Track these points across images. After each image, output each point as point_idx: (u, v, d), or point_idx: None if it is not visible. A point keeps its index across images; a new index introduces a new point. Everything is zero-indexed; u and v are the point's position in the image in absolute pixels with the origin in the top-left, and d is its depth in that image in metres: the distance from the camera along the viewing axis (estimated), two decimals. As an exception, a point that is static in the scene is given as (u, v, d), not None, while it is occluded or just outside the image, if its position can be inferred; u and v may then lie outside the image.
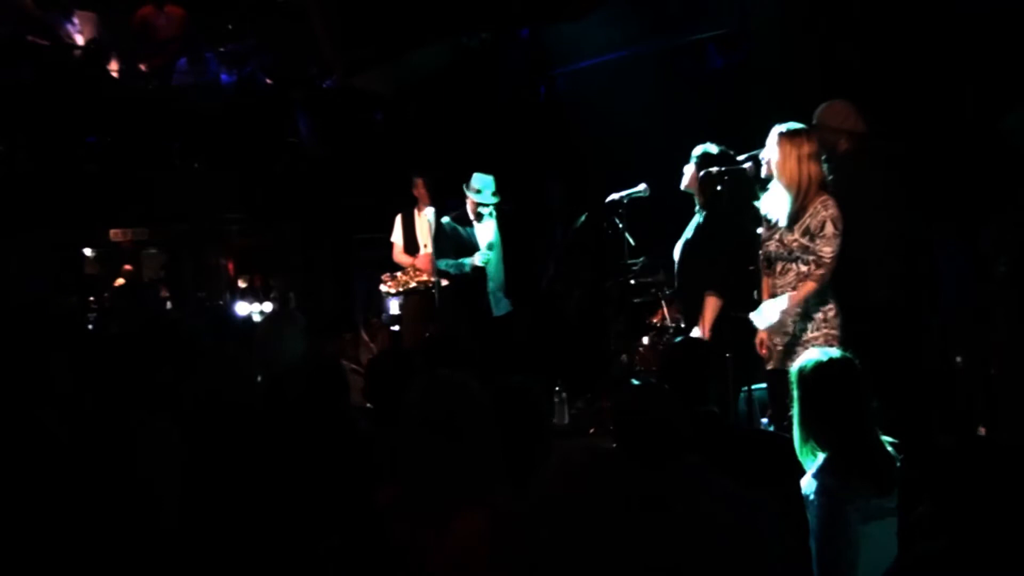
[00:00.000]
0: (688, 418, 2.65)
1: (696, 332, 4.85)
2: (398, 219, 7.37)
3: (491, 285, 6.70)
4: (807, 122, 4.42)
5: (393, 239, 7.39)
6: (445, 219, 6.78)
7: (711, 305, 4.80)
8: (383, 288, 7.17)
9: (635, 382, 2.87)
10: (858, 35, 5.97)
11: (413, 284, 7.10)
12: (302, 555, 2.54)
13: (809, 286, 4.16)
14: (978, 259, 5.14)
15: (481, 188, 6.66)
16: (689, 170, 4.95)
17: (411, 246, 7.30)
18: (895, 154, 5.02)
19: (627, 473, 2.53)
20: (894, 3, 5.81)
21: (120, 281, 8.68)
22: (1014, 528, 2.05)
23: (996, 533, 2.06)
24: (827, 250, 4.11)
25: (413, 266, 7.18)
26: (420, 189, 7.26)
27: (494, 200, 6.66)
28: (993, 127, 5.10)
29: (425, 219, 7.25)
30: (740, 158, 4.55)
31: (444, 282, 7.10)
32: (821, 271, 4.13)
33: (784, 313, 4.19)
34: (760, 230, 4.38)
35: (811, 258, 4.16)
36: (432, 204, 7.24)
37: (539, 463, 2.94)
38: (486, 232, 6.72)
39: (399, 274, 7.17)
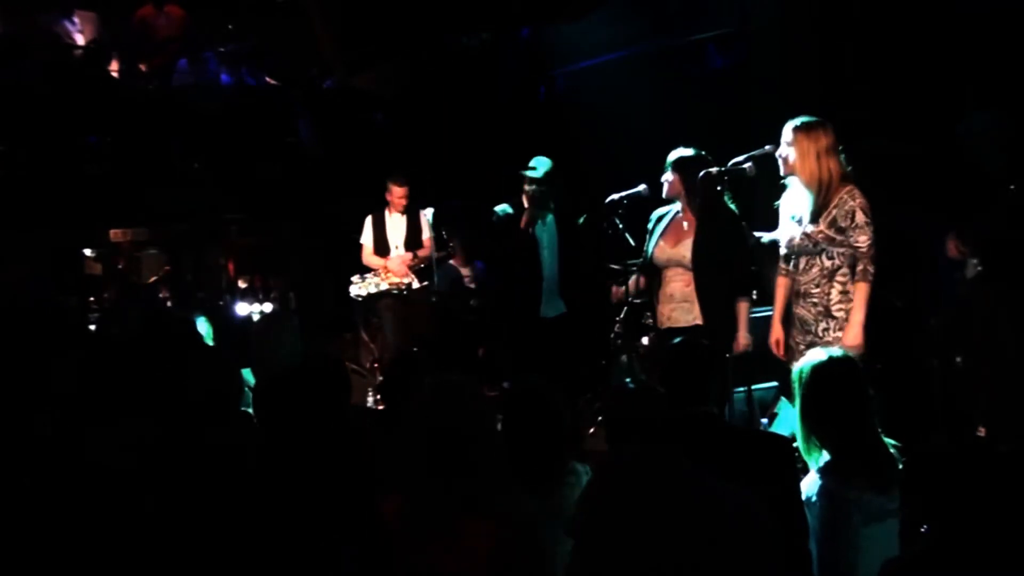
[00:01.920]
0: (678, 419, 2.64)
1: (737, 338, 4.75)
2: (368, 220, 7.28)
3: (543, 285, 6.53)
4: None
5: (362, 240, 7.30)
6: (500, 208, 6.60)
7: (745, 311, 4.74)
8: (352, 290, 7.11)
9: (629, 383, 2.86)
10: (858, 35, 5.96)
11: (385, 285, 7.06)
12: (302, 559, 2.53)
13: (863, 289, 4.13)
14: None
15: (536, 165, 6.49)
16: (668, 178, 4.90)
17: (381, 248, 7.24)
18: (882, 155, 5.03)
19: (623, 475, 2.52)
20: (894, 3, 5.81)
21: (153, 279, 8.67)
22: (998, 528, 2.05)
23: (980, 533, 2.06)
24: (862, 239, 4.10)
25: (384, 268, 7.14)
26: (394, 198, 7.15)
27: (538, 175, 6.39)
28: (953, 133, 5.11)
29: (396, 220, 7.21)
30: (739, 159, 4.54)
31: (416, 284, 7.07)
32: (863, 266, 4.11)
33: (860, 325, 4.14)
34: (785, 228, 4.35)
35: (840, 250, 4.14)
36: (406, 211, 7.20)
37: (555, 467, 2.92)
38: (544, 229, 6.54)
39: (369, 275, 7.12)
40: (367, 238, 7.29)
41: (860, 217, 4.09)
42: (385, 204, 7.27)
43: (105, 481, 2.42)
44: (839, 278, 4.17)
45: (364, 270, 7.21)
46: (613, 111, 7.46)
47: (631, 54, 7.60)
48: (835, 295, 4.17)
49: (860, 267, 4.13)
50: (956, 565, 2.08)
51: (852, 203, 4.10)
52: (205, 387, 3.02)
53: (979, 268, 4.95)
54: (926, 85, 5.56)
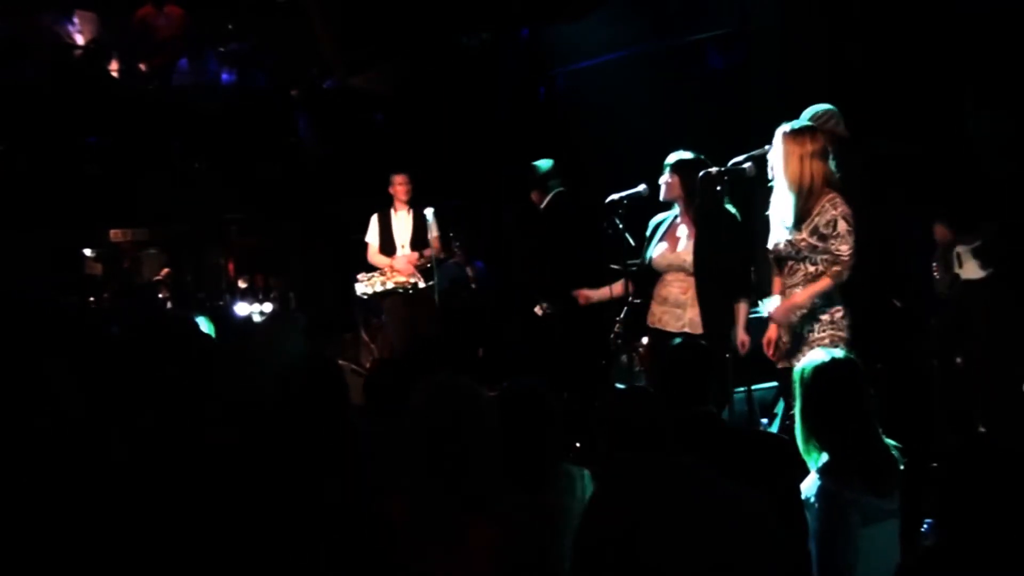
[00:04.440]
0: (673, 419, 2.64)
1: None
2: (373, 219, 7.29)
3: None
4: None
5: (368, 239, 7.30)
6: None
7: (744, 312, 4.74)
8: (358, 288, 7.12)
9: (619, 386, 2.85)
10: (858, 35, 5.96)
11: (391, 285, 7.06)
12: (298, 559, 2.53)
13: (824, 282, 4.12)
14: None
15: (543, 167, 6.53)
16: (667, 180, 4.89)
17: (388, 246, 7.24)
18: (883, 156, 5.02)
19: (631, 477, 2.50)
20: (894, 3, 5.81)
21: (153, 279, 8.68)
22: (1016, 526, 2.05)
23: (999, 531, 2.06)
24: (844, 248, 4.07)
25: (390, 267, 7.14)
26: (397, 187, 7.18)
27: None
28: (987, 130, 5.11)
29: (402, 219, 7.22)
30: (739, 159, 4.54)
31: (422, 284, 7.08)
32: (838, 268, 4.09)
33: (796, 308, 4.17)
34: (774, 232, 4.35)
35: (823, 257, 4.13)
36: (411, 203, 7.20)
37: (548, 469, 2.92)
38: None
39: (375, 274, 7.12)
40: (372, 237, 7.29)
41: (842, 226, 4.07)
42: (389, 203, 7.27)
43: (105, 478, 2.42)
44: None
45: (369, 268, 7.22)
46: (613, 111, 7.46)
47: (631, 54, 7.60)
48: (819, 298, 4.17)
49: (836, 268, 4.11)
50: (970, 564, 2.08)
51: (834, 212, 4.08)
52: (208, 386, 3.02)
53: (989, 271, 4.94)
54: (926, 85, 5.56)
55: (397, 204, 7.25)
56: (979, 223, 5.01)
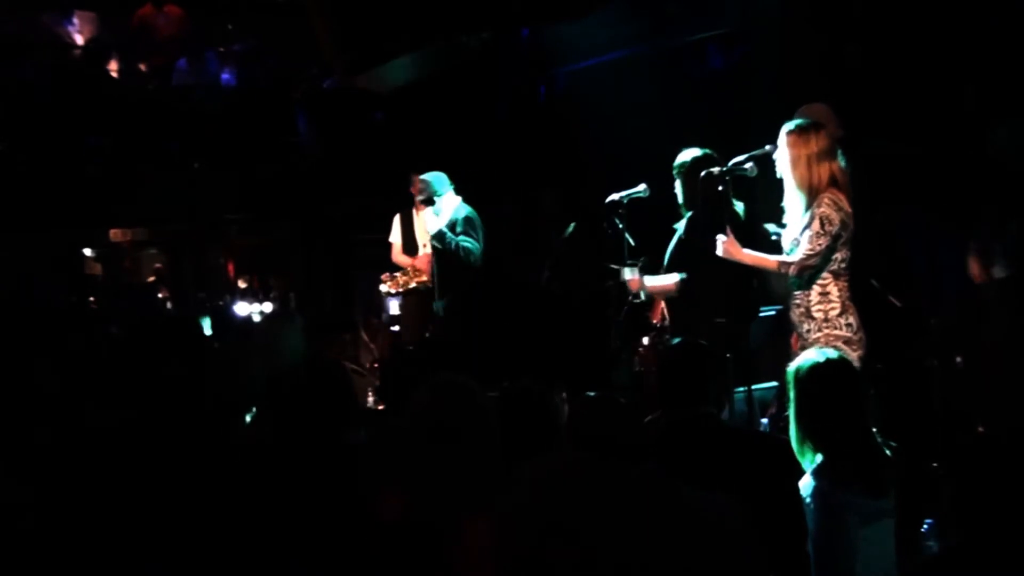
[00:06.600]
0: (640, 429, 2.61)
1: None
2: (396, 219, 7.32)
3: None
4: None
5: (391, 239, 7.35)
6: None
7: (673, 281, 4.80)
8: (383, 288, 7.17)
9: (591, 394, 2.80)
10: (859, 35, 5.96)
11: (413, 284, 7.09)
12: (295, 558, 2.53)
13: (770, 263, 4.17)
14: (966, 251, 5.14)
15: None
16: (676, 184, 4.94)
17: (410, 246, 7.27)
18: (883, 156, 5.02)
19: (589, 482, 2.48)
20: (894, 3, 5.81)
21: (151, 279, 8.73)
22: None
23: (1013, 530, 2.04)
24: (805, 246, 4.04)
25: (413, 266, 7.16)
26: (415, 187, 7.24)
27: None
28: (988, 129, 5.10)
29: (424, 219, 7.25)
30: (740, 158, 4.53)
31: None
32: (791, 262, 4.08)
33: (738, 254, 4.23)
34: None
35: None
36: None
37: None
38: None
39: (399, 274, 7.16)
40: (396, 236, 7.32)
41: (815, 225, 4.03)
42: (411, 202, 7.29)
43: (102, 476, 2.43)
44: (819, 281, 4.14)
45: (394, 268, 7.25)
46: (613, 111, 7.46)
47: (631, 54, 7.60)
48: (815, 297, 4.14)
49: (789, 261, 4.10)
50: (974, 563, 2.07)
51: (817, 210, 4.04)
52: (211, 386, 3.02)
53: (1007, 272, 4.92)
54: (927, 85, 5.56)
55: (419, 204, 7.28)
56: (1007, 222, 4.98)
